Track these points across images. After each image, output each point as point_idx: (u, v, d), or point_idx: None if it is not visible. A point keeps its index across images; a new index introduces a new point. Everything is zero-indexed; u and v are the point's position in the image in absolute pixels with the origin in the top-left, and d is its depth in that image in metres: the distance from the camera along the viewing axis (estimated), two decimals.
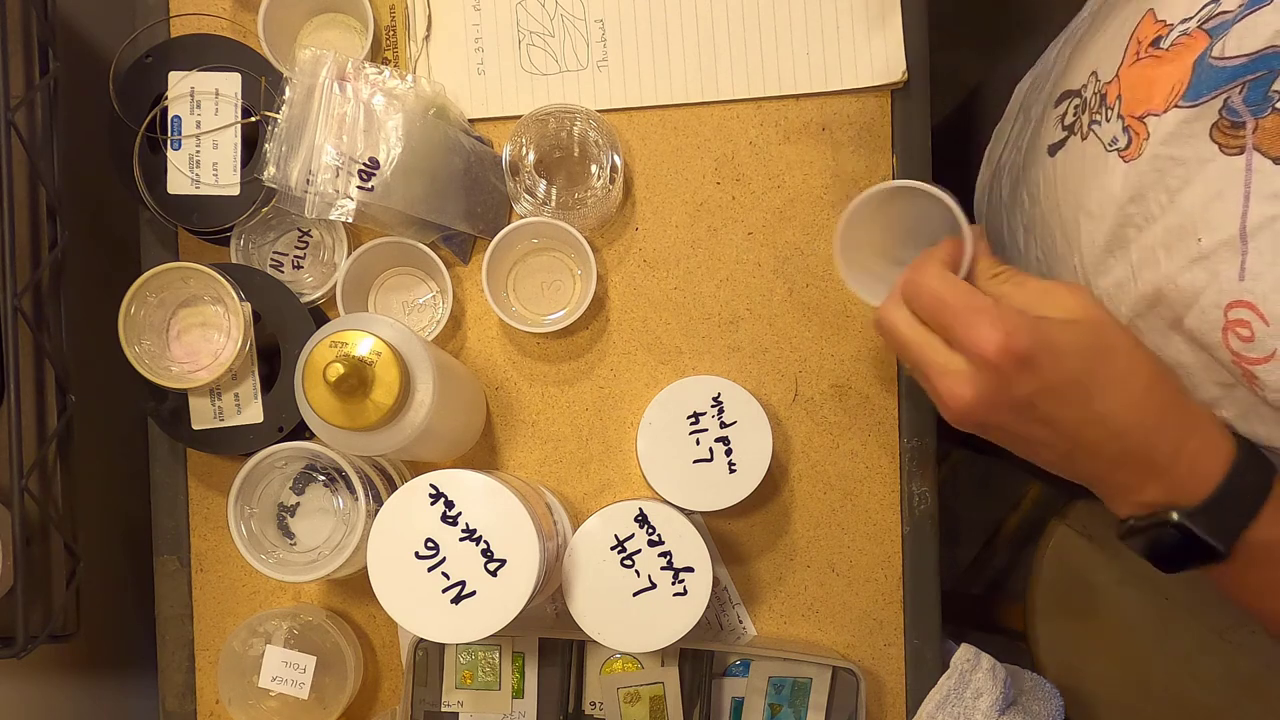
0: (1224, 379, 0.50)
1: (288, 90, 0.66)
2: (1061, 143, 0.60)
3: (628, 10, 0.72)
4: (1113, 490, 0.52)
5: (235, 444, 0.68)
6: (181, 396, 0.68)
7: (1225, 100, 0.45)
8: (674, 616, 0.61)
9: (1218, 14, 0.47)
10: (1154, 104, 0.50)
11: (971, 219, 0.80)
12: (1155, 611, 0.89)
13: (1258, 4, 0.45)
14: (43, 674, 0.76)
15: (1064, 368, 0.49)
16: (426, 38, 0.72)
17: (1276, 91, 0.43)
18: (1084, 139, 0.56)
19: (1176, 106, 0.48)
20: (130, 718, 0.85)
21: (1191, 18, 0.49)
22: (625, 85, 0.72)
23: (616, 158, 0.69)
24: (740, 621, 0.73)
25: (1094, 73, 0.57)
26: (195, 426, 0.68)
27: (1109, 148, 0.53)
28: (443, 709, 0.67)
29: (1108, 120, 0.54)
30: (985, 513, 1.41)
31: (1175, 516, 0.49)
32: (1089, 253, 0.56)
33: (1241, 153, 0.44)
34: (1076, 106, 0.59)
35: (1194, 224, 0.47)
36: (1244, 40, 0.45)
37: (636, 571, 0.61)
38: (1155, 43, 0.51)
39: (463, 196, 0.70)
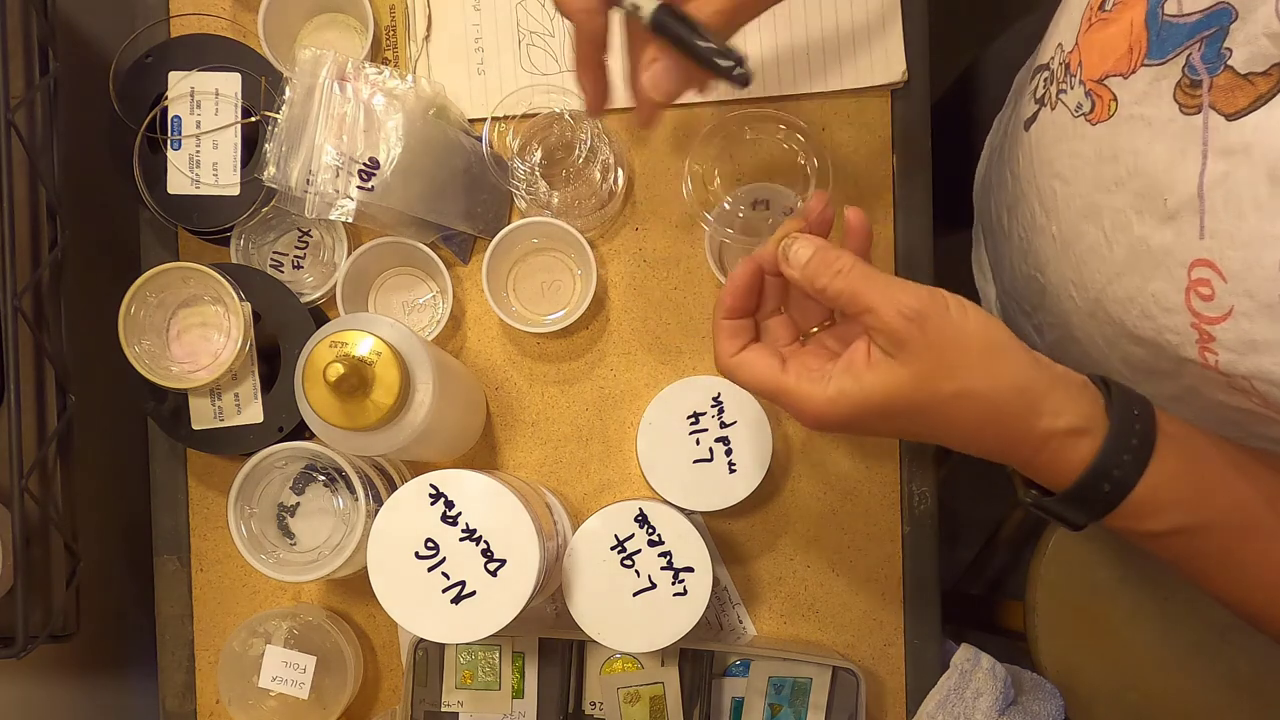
0: (1174, 358, 0.51)
1: (288, 90, 0.66)
2: (1034, 116, 0.61)
3: None
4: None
5: (235, 444, 0.68)
6: (181, 396, 0.68)
7: (1187, 58, 0.46)
8: (674, 616, 0.61)
9: None
10: (1109, 66, 0.51)
11: (970, 212, 0.80)
12: (1155, 611, 0.89)
13: None
14: (43, 674, 0.76)
15: (887, 421, 0.51)
16: (426, 38, 0.72)
17: (1228, 49, 0.44)
18: (1053, 109, 0.58)
19: (1144, 65, 0.49)
20: (130, 718, 0.85)
21: None
22: (626, 86, 0.72)
23: (617, 158, 0.69)
24: (740, 621, 0.73)
25: (1059, 44, 0.59)
26: (195, 426, 0.68)
27: (1075, 114, 0.54)
28: (443, 709, 0.67)
29: (1071, 88, 0.55)
30: (985, 513, 1.41)
31: (1034, 496, 0.52)
32: (1065, 218, 0.57)
33: (1199, 111, 0.45)
34: (1045, 79, 0.60)
35: (1160, 185, 0.48)
36: None
37: (636, 571, 0.61)
38: (1102, 6, 0.53)
39: (462, 196, 0.70)
